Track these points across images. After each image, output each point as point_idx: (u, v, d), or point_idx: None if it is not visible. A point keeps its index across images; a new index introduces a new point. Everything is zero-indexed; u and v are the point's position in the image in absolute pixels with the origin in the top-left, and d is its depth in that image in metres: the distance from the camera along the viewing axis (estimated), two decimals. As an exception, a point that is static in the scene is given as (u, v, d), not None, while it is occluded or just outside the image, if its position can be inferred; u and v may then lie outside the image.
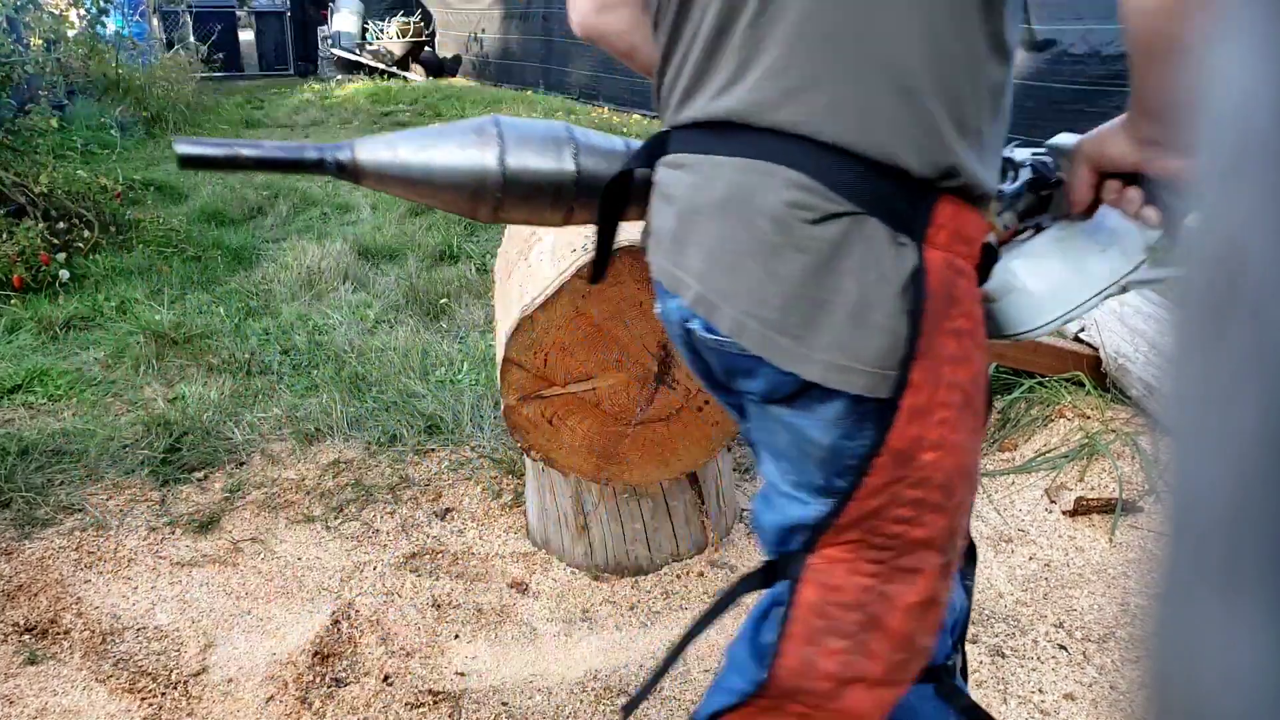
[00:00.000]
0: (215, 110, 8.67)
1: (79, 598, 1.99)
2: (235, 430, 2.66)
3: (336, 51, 12.51)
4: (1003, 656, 1.86)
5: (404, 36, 12.44)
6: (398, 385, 2.89)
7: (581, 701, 1.73)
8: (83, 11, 5.19)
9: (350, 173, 1.08)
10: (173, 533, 2.24)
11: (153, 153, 6.86)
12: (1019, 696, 1.76)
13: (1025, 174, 1.11)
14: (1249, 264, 0.23)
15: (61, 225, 4.05)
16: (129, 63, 8.06)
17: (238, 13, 13.46)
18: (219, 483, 2.46)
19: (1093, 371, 2.74)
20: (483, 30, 11.90)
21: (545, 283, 1.66)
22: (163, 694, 1.74)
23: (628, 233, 1.72)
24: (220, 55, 10.81)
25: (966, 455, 0.91)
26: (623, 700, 1.74)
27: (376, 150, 1.08)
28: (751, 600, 1.11)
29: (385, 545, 2.21)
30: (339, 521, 2.30)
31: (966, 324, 0.89)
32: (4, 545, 2.16)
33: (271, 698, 1.73)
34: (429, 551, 2.19)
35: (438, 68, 12.35)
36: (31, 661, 1.81)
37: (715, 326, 0.91)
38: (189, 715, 1.70)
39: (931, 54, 0.85)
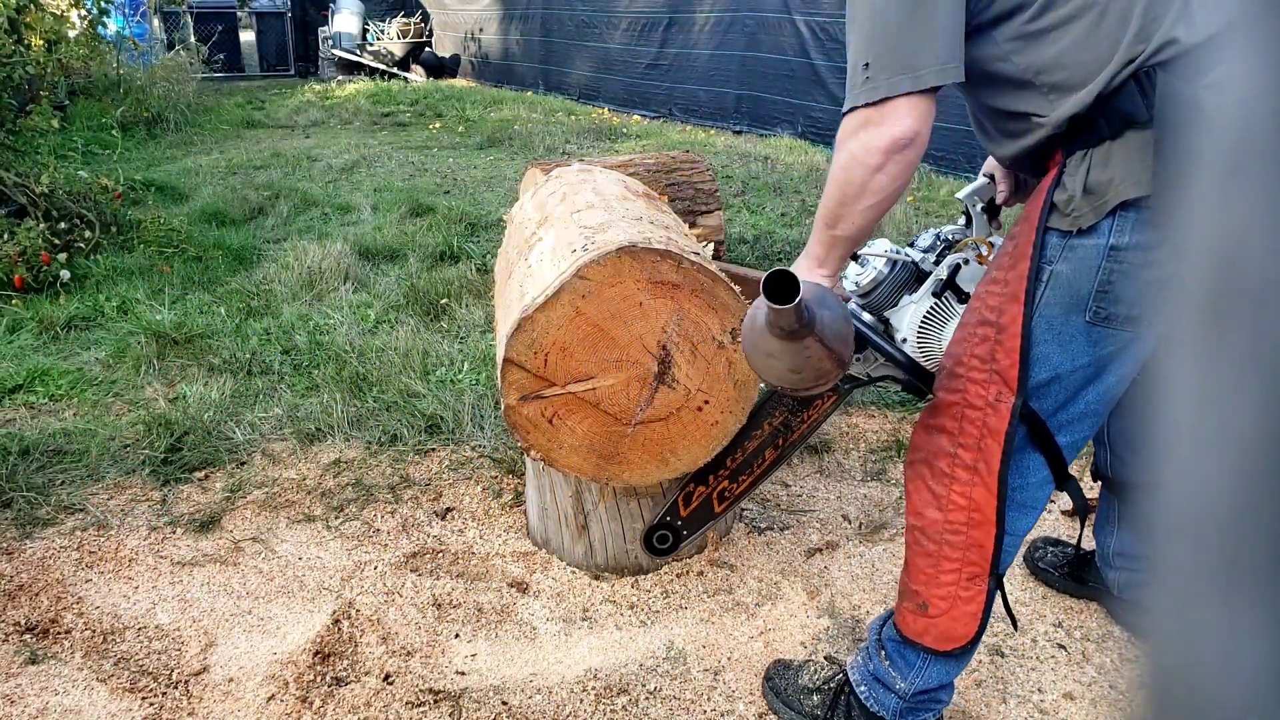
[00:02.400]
0: (216, 111, 8.67)
1: (80, 597, 2.00)
2: (236, 430, 2.66)
3: (337, 52, 12.51)
4: (1002, 656, 1.86)
5: (404, 37, 12.45)
6: (398, 385, 2.89)
7: (581, 701, 1.73)
8: (84, 12, 5.19)
9: None
10: (173, 532, 2.24)
11: (154, 153, 6.86)
12: (1018, 696, 1.76)
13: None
14: (1249, 264, 0.23)
15: (63, 225, 4.05)
16: (130, 63, 8.07)
17: (238, 13, 13.46)
18: (220, 482, 2.46)
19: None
20: (480, 31, 11.91)
21: (545, 283, 1.66)
22: (163, 694, 1.74)
23: (627, 234, 1.72)
24: (221, 56, 10.83)
25: None
26: (623, 700, 1.74)
27: None
28: None
29: (386, 545, 2.21)
30: (339, 521, 2.30)
31: None
32: (5, 545, 2.16)
33: (272, 697, 1.73)
34: (429, 551, 2.19)
35: (438, 68, 12.36)
36: (32, 661, 1.81)
37: None
38: (190, 715, 1.70)
39: None
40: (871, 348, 1.53)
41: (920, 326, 1.53)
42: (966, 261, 1.54)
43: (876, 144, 1.27)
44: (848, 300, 1.58)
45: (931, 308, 1.53)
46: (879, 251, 1.56)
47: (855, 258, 1.57)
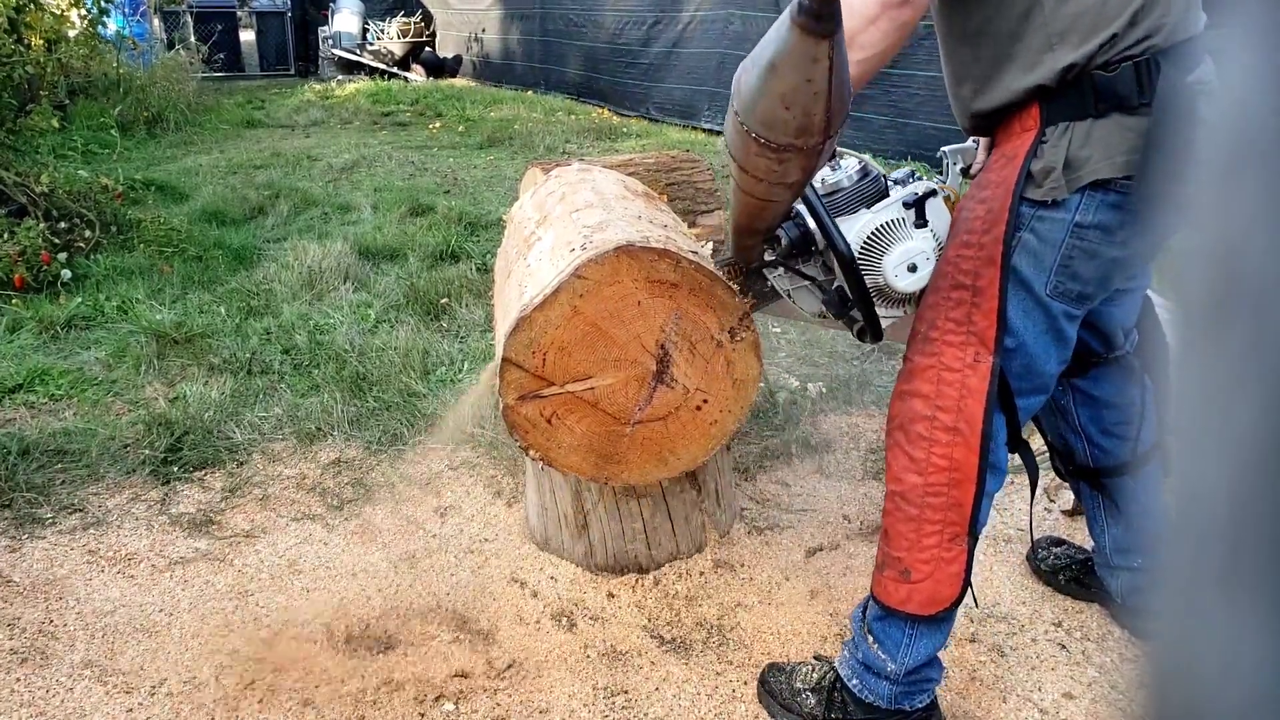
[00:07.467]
0: (216, 110, 8.66)
1: (80, 597, 1.99)
2: (236, 430, 2.66)
3: (337, 52, 12.50)
4: (1002, 655, 1.86)
5: (405, 37, 12.44)
6: (398, 385, 2.89)
7: (581, 701, 1.73)
8: (84, 12, 5.19)
9: None
10: (173, 532, 2.24)
11: (154, 153, 6.86)
12: (1019, 695, 1.76)
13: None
14: (1249, 264, 0.23)
15: (63, 225, 4.05)
16: (130, 63, 8.06)
17: (239, 13, 13.45)
18: (220, 482, 2.46)
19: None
20: (483, 30, 11.90)
21: (544, 282, 1.65)
22: (163, 694, 1.74)
23: (625, 233, 1.72)
24: (221, 55, 10.80)
25: None
26: (623, 699, 1.74)
27: None
28: None
29: (385, 544, 2.21)
30: (339, 520, 2.30)
31: None
32: (5, 545, 2.16)
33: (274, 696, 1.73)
34: (429, 550, 2.19)
35: (438, 68, 12.35)
36: (31, 661, 1.81)
37: None
38: (189, 715, 1.70)
39: None
40: (818, 227, 1.55)
41: (870, 237, 1.54)
42: (935, 193, 1.56)
43: None
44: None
45: (888, 222, 1.54)
46: (857, 156, 1.59)
47: (830, 158, 1.60)
